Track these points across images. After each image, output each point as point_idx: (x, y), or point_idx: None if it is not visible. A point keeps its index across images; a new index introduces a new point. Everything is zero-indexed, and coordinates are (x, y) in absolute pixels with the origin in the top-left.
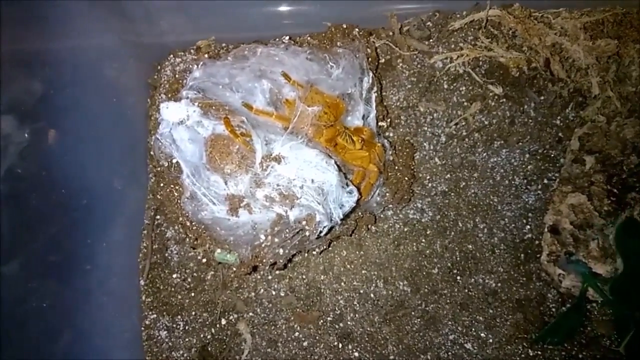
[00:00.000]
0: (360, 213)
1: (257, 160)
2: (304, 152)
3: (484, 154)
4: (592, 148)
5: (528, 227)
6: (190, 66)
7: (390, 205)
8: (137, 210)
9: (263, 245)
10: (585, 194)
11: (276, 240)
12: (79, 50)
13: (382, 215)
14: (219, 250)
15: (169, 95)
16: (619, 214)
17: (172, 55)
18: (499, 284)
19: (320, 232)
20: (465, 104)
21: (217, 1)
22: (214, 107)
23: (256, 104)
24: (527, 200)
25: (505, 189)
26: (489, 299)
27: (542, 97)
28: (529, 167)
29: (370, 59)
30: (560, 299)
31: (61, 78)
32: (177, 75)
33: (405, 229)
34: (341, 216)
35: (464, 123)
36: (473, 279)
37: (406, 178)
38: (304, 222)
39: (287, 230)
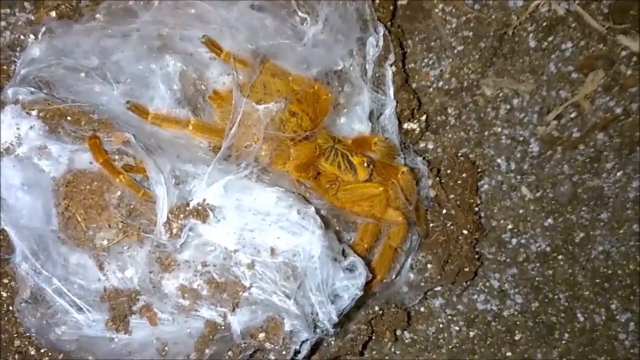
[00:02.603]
0: (377, 307)
1: (159, 218)
2: (254, 196)
3: (617, 174)
4: None
5: None
6: (24, 36)
7: (438, 288)
8: None
9: None
10: None
11: None
12: None
13: (421, 309)
14: None
15: None
16: None
17: None
18: None
19: (297, 351)
20: (575, 75)
21: None
22: (69, 117)
23: (155, 105)
24: None
25: None
26: None
27: None
28: None
29: (379, 0)
30: None
31: None
32: None
33: (471, 334)
34: (335, 318)
35: (574, 114)
36: None
37: (465, 231)
38: (261, 336)
39: (229, 354)
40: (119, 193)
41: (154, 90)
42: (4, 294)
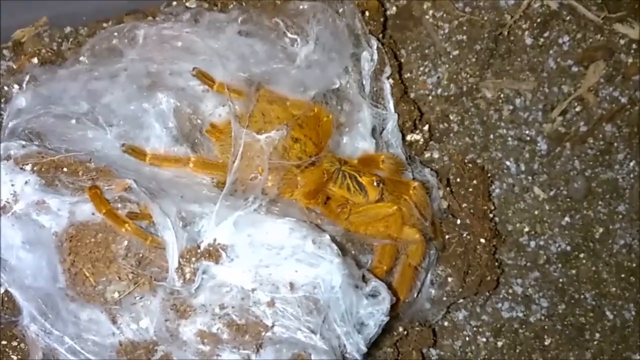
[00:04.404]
0: (401, 328)
1: (171, 264)
2: (265, 230)
3: (630, 164)
4: None
5: None
6: (7, 87)
7: (461, 300)
8: None
9: None
10: None
11: None
12: None
13: (445, 324)
14: None
15: None
16: None
17: None
18: None
19: None
20: (575, 69)
21: None
22: (65, 168)
23: (152, 145)
24: None
25: None
26: None
27: None
28: None
29: (368, 13)
30: None
31: None
32: None
33: (499, 344)
34: (364, 348)
35: (578, 108)
36: None
37: (482, 239)
38: None
39: None
40: (125, 243)
41: (149, 130)
42: (15, 358)
